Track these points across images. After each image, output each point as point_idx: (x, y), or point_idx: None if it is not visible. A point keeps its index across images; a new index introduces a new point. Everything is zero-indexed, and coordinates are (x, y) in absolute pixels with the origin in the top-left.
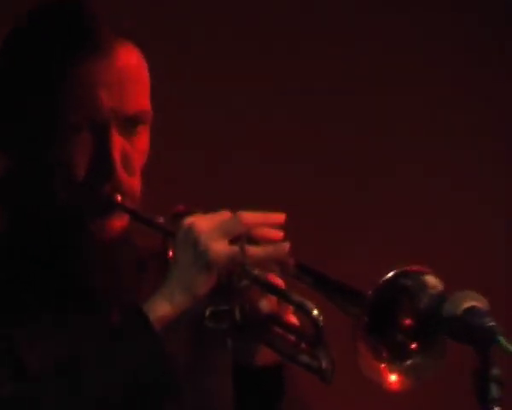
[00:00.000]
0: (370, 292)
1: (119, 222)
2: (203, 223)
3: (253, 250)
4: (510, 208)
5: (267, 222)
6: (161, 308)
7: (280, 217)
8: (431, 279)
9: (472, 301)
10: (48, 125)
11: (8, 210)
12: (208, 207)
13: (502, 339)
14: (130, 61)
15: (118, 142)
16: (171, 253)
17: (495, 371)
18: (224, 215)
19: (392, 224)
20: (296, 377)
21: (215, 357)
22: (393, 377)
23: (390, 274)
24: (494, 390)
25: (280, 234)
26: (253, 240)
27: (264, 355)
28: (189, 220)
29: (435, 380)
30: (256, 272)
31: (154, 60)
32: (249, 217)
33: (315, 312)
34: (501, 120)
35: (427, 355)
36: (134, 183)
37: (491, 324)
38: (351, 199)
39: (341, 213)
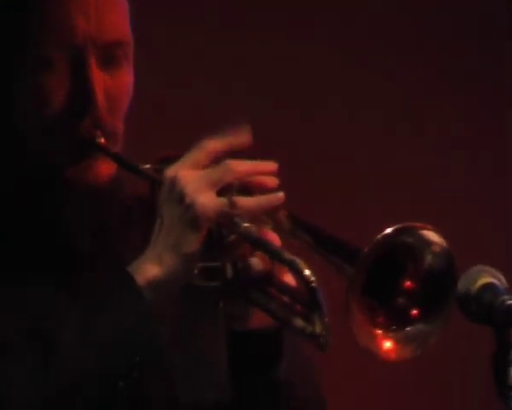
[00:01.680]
0: (366, 249)
1: (105, 167)
2: (188, 173)
3: (243, 201)
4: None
5: (259, 170)
6: (150, 270)
7: (272, 165)
8: (434, 236)
9: (488, 277)
10: (16, 57)
11: None
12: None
13: None
14: None
15: (98, 74)
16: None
17: None
18: (210, 157)
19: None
20: (296, 341)
21: (205, 321)
22: (388, 345)
23: (388, 230)
24: None
25: (274, 181)
26: (245, 190)
27: (260, 318)
28: (172, 171)
29: (452, 361)
30: (245, 226)
31: None
32: (239, 165)
33: (306, 272)
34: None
35: (429, 322)
36: (116, 123)
37: (510, 302)
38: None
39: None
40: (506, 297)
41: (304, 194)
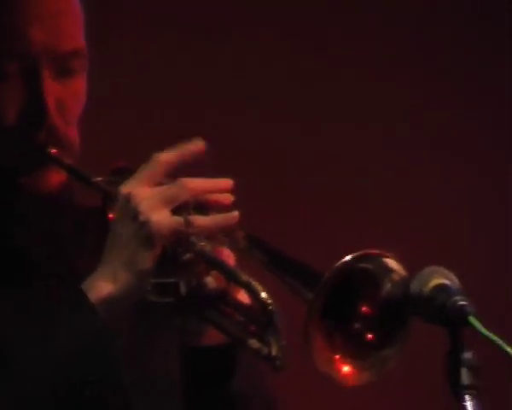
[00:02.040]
0: (326, 274)
1: (56, 176)
2: (142, 190)
3: (199, 220)
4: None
5: (214, 188)
6: (103, 288)
7: (228, 182)
8: (393, 264)
9: (441, 277)
10: None
11: None
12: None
13: (473, 319)
14: None
15: (50, 85)
16: (111, 215)
17: (467, 355)
18: (162, 173)
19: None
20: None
21: (160, 338)
22: (347, 369)
23: (348, 257)
24: (466, 376)
25: (229, 198)
26: (200, 208)
27: (214, 335)
28: (127, 188)
29: (406, 364)
30: (201, 245)
31: None
32: (194, 183)
33: (263, 294)
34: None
35: (387, 347)
36: (71, 133)
37: (463, 302)
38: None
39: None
40: (458, 298)
41: (277, 209)
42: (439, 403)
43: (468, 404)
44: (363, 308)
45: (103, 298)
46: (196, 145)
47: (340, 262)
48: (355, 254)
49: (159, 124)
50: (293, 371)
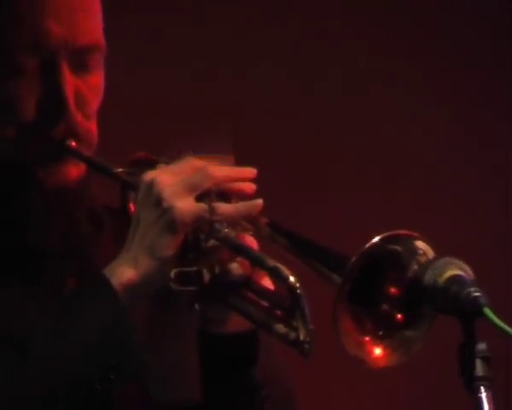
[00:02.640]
0: (354, 258)
1: (75, 170)
2: (166, 177)
3: (223, 208)
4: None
5: (238, 176)
6: (125, 273)
7: (251, 171)
8: (421, 245)
9: (455, 269)
10: None
11: None
12: (171, 155)
13: (488, 311)
14: None
15: (69, 78)
16: (132, 207)
17: (481, 347)
18: (191, 167)
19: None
20: (270, 344)
21: (179, 323)
22: (378, 351)
23: (376, 239)
24: (479, 367)
25: (252, 187)
26: (223, 196)
27: (236, 322)
28: (150, 174)
29: (420, 355)
30: (225, 231)
31: None
32: (218, 170)
33: (291, 279)
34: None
35: (415, 327)
36: (90, 126)
37: (477, 294)
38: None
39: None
40: (472, 289)
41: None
42: (454, 394)
43: (483, 395)
44: (391, 289)
45: (125, 283)
46: (248, 172)
47: (367, 244)
48: (383, 235)
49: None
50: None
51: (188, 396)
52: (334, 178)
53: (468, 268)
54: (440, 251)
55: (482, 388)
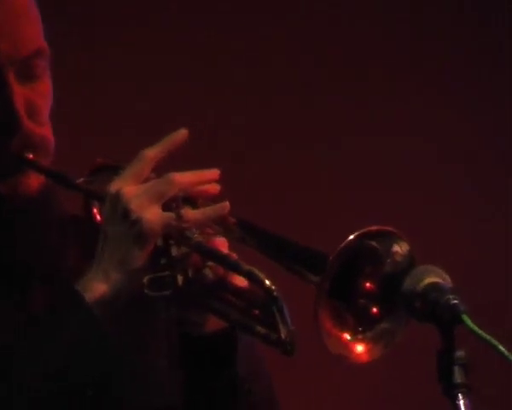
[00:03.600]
0: (331, 258)
1: (35, 181)
2: (131, 189)
3: (190, 214)
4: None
5: (202, 180)
6: (97, 288)
7: (214, 172)
8: (397, 241)
9: (434, 276)
10: None
11: None
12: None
13: (466, 318)
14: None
15: (18, 89)
16: (96, 215)
17: (459, 354)
18: (148, 167)
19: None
20: (251, 340)
21: (159, 331)
22: (360, 348)
23: (351, 237)
24: (458, 374)
25: (216, 188)
26: (190, 200)
27: (214, 322)
28: (115, 186)
29: (398, 362)
30: (196, 237)
31: None
32: (182, 177)
33: (267, 282)
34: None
35: (392, 320)
36: (45, 133)
37: (455, 301)
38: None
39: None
40: (451, 296)
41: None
42: (432, 401)
43: (461, 403)
44: (367, 284)
45: (98, 298)
46: (179, 135)
47: (343, 243)
48: (357, 232)
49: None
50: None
51: (164, 399)
52: (327, 180)
53: (447, 276)
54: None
55: (460, 395)
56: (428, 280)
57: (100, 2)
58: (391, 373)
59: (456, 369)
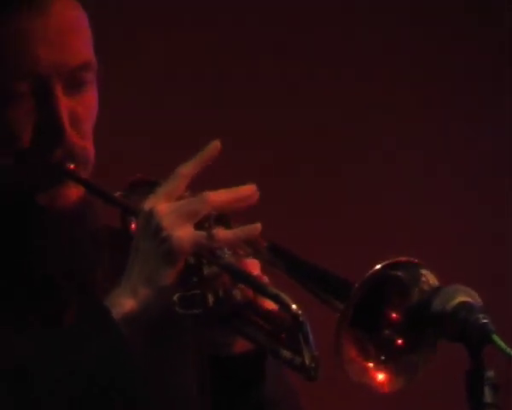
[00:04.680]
0: (357, 285)
1: (75, 192)
2: (164, 206)
3: (222, 234)
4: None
5: (237, 197)
6: (125, 304)
7: (250, 188)
8: (423, 271)
9: (463, 296)
10: None
11: None
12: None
13: (496, 337)
14: (66, 12)
15: (63, 101)
16: (133, 229)
17: (489, 374)
18: (184, 184)
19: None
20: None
21: (186, 350)
22: (381, 377)
23: (378, 266)
24: (488, 394)
25: (253, 202)
26: (222, 220)
27: (242, 343)
28: (148, 204)
29: (427, 382)
30: (226, 258)
31: None
32: (216, 196)
33: (293, 306)
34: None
35: (417, 352)
36: (86, 146)
37: (485, 321)
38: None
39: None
40: (481, 316)
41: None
42: None
43: None
44: (393, 314)
45: (125, 314)
46: (212, 148)
47: (369, 272)
48: (384, 262)
49: (175, 136)
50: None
51: None
52: (337, 200)
53: (476, 295)
54: (442, 273)
55: None
56: (458, 299)
57: None
58: (418, 392)
59: (487, 389)
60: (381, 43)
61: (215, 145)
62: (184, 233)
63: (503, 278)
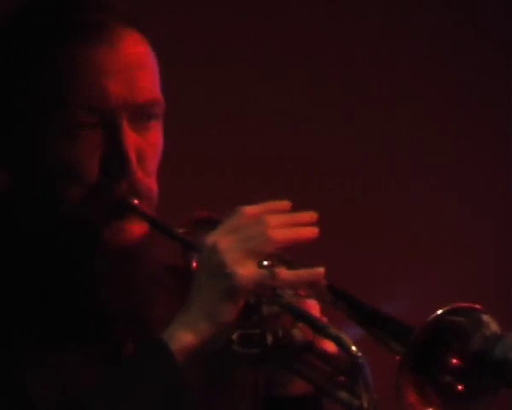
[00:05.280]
0: (418, 328)
1: (138, 228)
2: (228, 242)
3: (284, 274)
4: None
5: (299, 236)
6: (184, 337)
7: (311, 216)
8: (485, 318)
9: None
10: (51, 124)
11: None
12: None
13: None
14: (136, 48)
15: (130, 136)
16: (195, 266)
17: None
18: (249, 223)
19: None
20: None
21: (243, 388)
22: None
23: (440, 311)
24: None
25: (314, 233)
26: (284, 260)
27: (300, 384)
28: (212, 239)
29: None
30: (287, 297)
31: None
32: (280, 234)
33: (353, 348)
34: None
35: (477, 399)
36: (150, 183)
37: None
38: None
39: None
40: None
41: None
42: None
43: None
44: (453, 360)
45: (183, 348)
46: (282, 205)
47: (431, 316)
48: (446, 307)
49: (237, 174)
50: None
51: None
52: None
53: None
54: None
55: None
56: None
57: None
58: None
59: None
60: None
61: (284, 203)
62: (247, 271)
63: None
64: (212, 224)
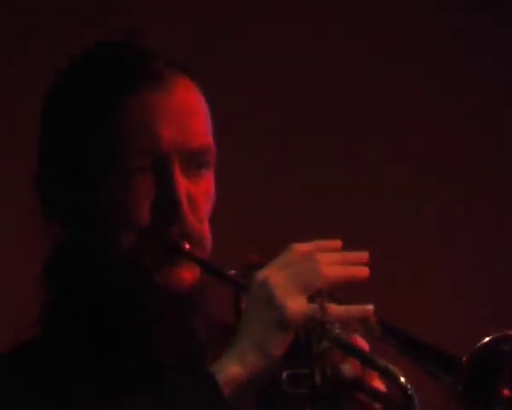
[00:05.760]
0: (465, 358)
1: (189, 274)
2: (279, 276)
3: (334, 309)
4: None
5: (350, 275)
6: (232, 369)
7: (363, 256)
8: None
9: None
10: (106, 172)
11: (60, 282)
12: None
13: None
14: (189, 94)
15: (182, 181)
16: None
17: None
18: (300, 259)
19: None
20: None
21: None
22: None
23: (487, 339)
24: None
25: (365, 272)
26: (333, 296)
27: None
28: (263, 273)
29: None
30: (337, 332)
31: None
32: (330, 270)
33: (402, 380)
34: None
35: None
36: (202, 229)
37: None
38: None
39: None
40: None
41: None
42: None
43: None
44: (504, 390)
45: (231, 380)
46: (334, 243)
47: (478, 345)
48: (493, 336)
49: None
50: None
51: None
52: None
53: None
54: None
55: None
56: None
57: None
58: None
59: None
60: None
61: (337, 243)
62: (297, 305)
63: None
64: (261, 267)
